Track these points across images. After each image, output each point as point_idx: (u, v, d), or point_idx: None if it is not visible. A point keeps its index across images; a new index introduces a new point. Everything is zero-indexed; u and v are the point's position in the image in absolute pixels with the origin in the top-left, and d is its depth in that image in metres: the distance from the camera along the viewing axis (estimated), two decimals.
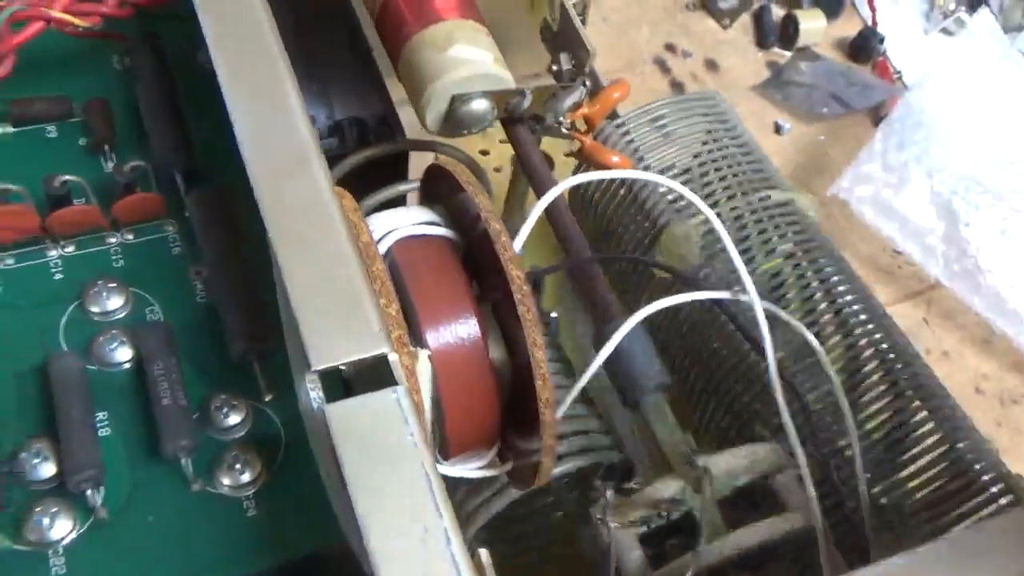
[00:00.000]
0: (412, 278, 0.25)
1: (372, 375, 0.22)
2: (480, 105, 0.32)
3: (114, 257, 0.30)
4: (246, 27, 0.26)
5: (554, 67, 0.35)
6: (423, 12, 0.33)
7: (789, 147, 0.66)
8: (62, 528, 0.25)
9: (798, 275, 0.35)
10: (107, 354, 0.28)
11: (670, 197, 0.36)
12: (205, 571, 0.26)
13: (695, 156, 0.38)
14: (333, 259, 0.23)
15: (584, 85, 0.34)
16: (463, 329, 0.24)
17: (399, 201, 0.37)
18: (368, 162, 0.36)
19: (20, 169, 0.31)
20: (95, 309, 0.29)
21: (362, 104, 0.40)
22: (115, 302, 0.29)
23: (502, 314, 0.25)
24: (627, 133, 0.38)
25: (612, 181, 0.38)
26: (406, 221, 0.26)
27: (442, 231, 0.26)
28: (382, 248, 0.25)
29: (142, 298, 0.29)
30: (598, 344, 0.31)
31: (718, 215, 0.35)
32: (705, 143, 0.39)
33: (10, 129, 0.32)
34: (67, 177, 0.29)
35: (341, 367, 0.21)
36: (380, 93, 0.39)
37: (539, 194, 0.34)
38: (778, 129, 0.67)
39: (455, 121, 0.32)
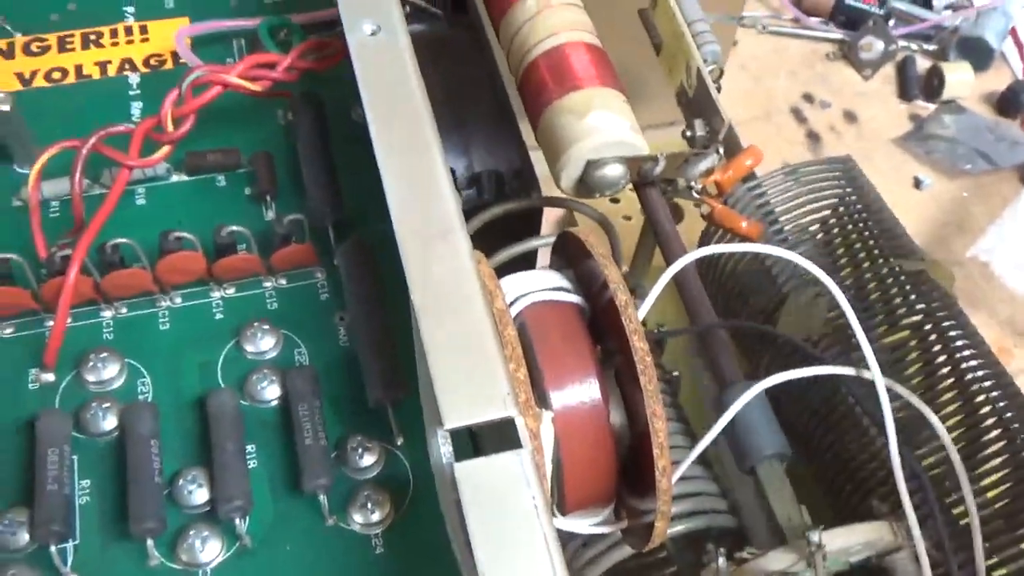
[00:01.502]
0: (541, 342, 0.26)
1: (498, 433, 0.23)
2: (614, 171, 0.33)
3: (268, 300, 0.33)
4: (401, 100, 0.28)
5: (688, 132, 0.36)
6: (564, 79, 0.34)
7: (929, 203, 0.65)
8: (211, 551, 0.28)
9: (923, 348, 0.35)
10: (258, 391, 0.30)
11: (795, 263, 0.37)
12: None
13: (823, 223, 0.38)
14: (469, 324, 0.24)
15: (717, 152, 0.35)
16: (586, 393, 0.25)
17: (531, 255, 0.39)
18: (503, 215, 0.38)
19: (192, 214, 0.34)
20: (250, 348, 0.31)
21: (500, 157, 0.42)
22: (267, 343, 0.31)
23: (623, 379, 0.26)
24: (758, 197, 0.39)
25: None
26: (537, 286, 0.27)
27: (570, 297, 0.27)
28: (514, 311, 0.27)
29: (291, 340, 0.32)
30: (718, 409, 0.31)
31: (843, 284, 0.36)
32: (835, 209, 0.39)
33: (185, 178, 0.35)
34: (234, 228, 0.32)
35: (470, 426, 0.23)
36: (518, 147, 0.41)
37: (667, 259, 0.35)
38: (918, 184, 0.66)
39: (589, 184, 0.34)
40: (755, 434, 0.30)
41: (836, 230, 0.38)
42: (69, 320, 0.31)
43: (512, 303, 0.27)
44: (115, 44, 0.39)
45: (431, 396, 0.24)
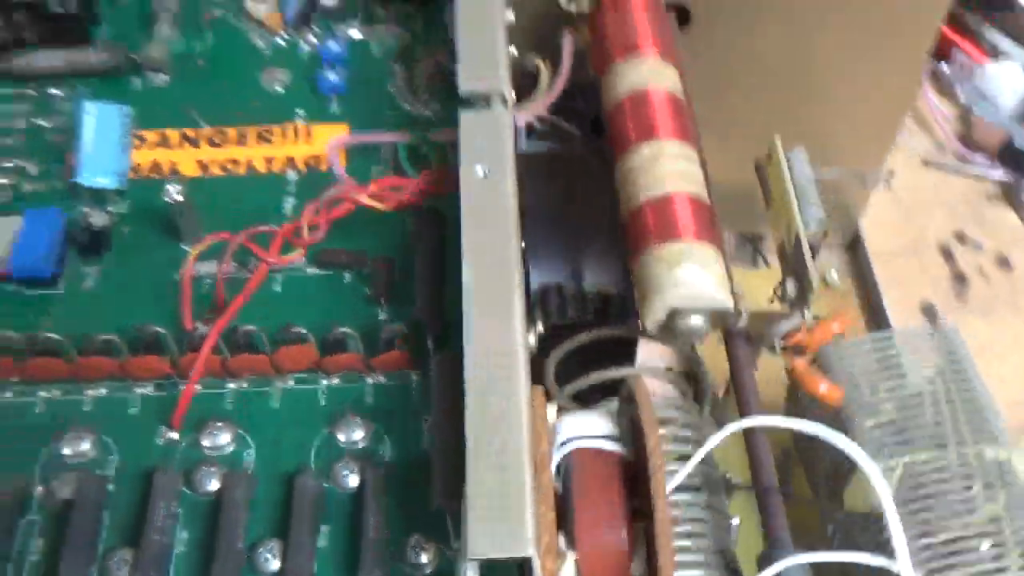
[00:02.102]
0: (579, 487, 0.28)
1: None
2: (696, 321, 0.35)
3: (367, 394, 0.37)
4: (495, 241, 0.32)
5: (778, 290, 0.37)
6: (665, 228, 0.37)
7: None
8: None
9: (996, 543, 0.34)
10: (341, 477, 0.34)
11: (876, 433, 0.37)
12: None
13: (915, 395, 0.38)
14: (510, 462, 0.27)
15: (802, 315, 0.36)
16: (612, 543, 0.28)
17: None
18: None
19: (318, 303, 0.39)
20: (342, 437, 0.35)
21: (608, 278, 0.44)
22: (358, 434, 0.35)
23: (650, 535, 0.28)
24: (850, 358, 0.39)
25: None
26: (588, 432, 0.30)
27: (616, 447, 0.29)
28: (563, 451, 0.29)
29: (379, 434, 0.36)
30: (759, 567, 0.32)
31: (919, 463, 0.36)
32: (931, 382, 0.39)
33: (318, 271, 0.40)
34: (344, 329, 0.36)
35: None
36: (625, 273, 0.44)
37: (740, 411, 0.36)
38: None
39: (671, 330, 0.36)
40: None
41: (922, 406, 0.38)
42: (198, 388, 0.36)
43: (563, 443, 0.29)
44: (283, 142, 0.45)
45: (465, 521, 0.26)
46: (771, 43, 0.51)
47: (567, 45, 0.45)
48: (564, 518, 0.28)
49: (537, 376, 0.34)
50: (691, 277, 0.35)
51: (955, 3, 0.79)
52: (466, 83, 0.36)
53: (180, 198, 0.39)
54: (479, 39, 0.38)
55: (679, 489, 0.33)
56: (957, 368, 0.39)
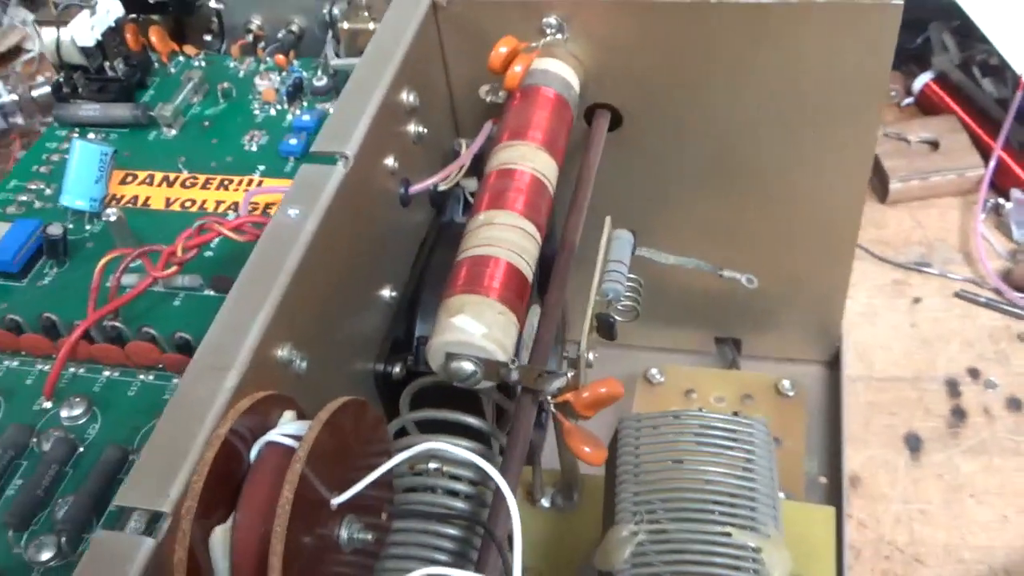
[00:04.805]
0: (253, 472, 0.32)
1: None
2: (467, 366, 0.38)
3: None
4: (270, 264, 0.37)
5: (564, 352, 0.40)
6: (471, 283, 0.40)
7: None
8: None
9: None
10: None
11: (635, 499, 0.38)
12: None
13: (689, 473, 0.39)
14: (188, 429, 0.32)
15: (566, 376, 0.38)
16: (258, 524, 0.31)
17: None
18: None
19: (204, 317, 0.45)
20: None
21: None
22: None
23: None
24: (640, 430, 0.40)
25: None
26: (286, 431, 0.34)
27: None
28: (261, 442, 0.33)
29: None
30: None
31: (661, 532, 0.36)
32: (714, 464, 0.39)
33: (212, 293, 0.47)
34: (185, 335, 0.43)
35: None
36: None
37: (505, 459, 0.38)
38: None
39: (447, 372, 0.39)
40: None
41: (693, 484, 0.38)
42: (80, 370, 0.44)
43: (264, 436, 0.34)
44: (236, 190, 0.52)
45: None
46: (701, 146, 0.53)
47: (483, 131, 0.51)
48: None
49: None
50: (463, 325, 0.39)
51: None
52: (319, 144, 0.42)
53: (114, 219, 0.47)
54: (348, 110, 0.44)
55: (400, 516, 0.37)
56: (750, 456, 0.39)
